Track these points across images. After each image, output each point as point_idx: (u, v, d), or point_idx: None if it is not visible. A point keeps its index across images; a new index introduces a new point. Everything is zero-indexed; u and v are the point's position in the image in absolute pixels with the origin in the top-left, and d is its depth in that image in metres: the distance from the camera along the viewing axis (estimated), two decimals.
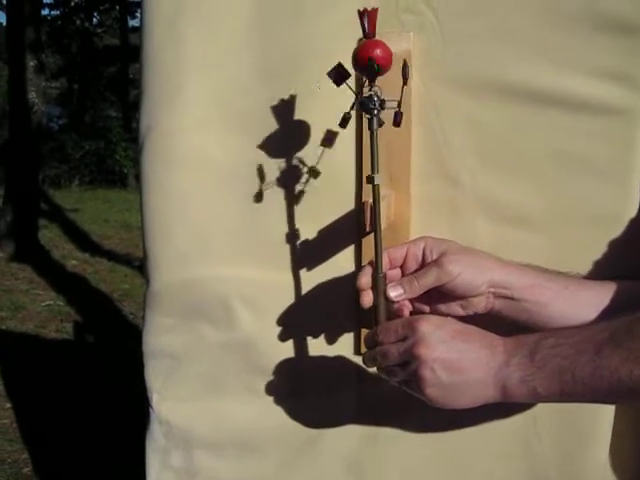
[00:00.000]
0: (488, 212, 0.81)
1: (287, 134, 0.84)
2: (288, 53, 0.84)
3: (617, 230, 0.78)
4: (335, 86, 0.71)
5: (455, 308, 0.75)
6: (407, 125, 0.79)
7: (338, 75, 0.70)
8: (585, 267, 0.79)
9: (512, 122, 0.79)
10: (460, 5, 0.79)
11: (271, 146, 0.85)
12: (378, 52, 0.68)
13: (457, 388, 0.67)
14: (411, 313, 0.75)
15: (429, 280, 0.72)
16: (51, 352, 4.30)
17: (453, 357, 0.66)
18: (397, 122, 0.70)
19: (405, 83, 0.69)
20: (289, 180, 0.85)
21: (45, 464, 3.03)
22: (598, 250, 0.79)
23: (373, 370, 0.75)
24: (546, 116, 0.77)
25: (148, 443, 0.98)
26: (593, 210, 0.79)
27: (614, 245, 0.78)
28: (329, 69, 0.70)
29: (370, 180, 0.70)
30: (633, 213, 0.77)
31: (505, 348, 0.66)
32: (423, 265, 0.74)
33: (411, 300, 0.75)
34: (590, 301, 0.71)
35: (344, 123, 0.71)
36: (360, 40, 0.72)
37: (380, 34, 0.72)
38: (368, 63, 0.67)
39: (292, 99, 0.83)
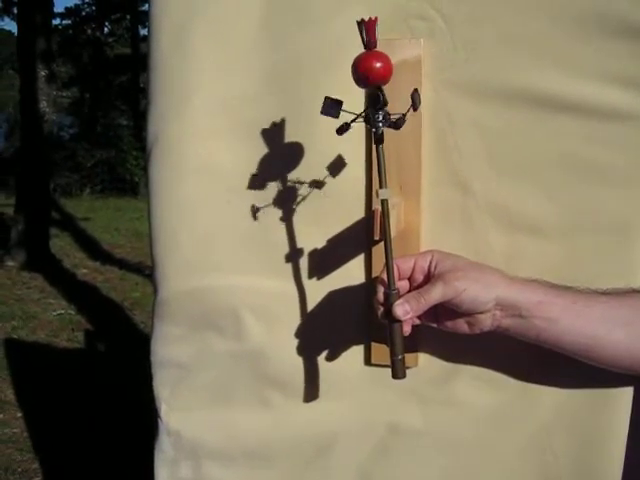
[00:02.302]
0: (499, 220, 0.80)
1: (296, 143, 0.84)
2: (296, 61, 0.84)
3: (631, 238, 0.76)
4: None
5: (462, 325, 0.74)
6: (417, 132, 0.78)
7: (332, 107, 0.68)
8: (599, 276, 0.77)
9: (523, 129, 0.78)
10: (470, 11, 0.78)
11: (280, 155, 0.85)
12: (376, 65, 0.65)
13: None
14: (417, 327, 0.75)
15: (435, 296, 0.71)
16: (62, 361, 4.32)
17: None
18: (398, 126, 0.68)
19: (415, 109, 0.68)
20: (298, 189, 0.84)
21: (55, 474, 3.03)
22: (612, 258, 0.77)
23: (384, 381, 0.74)
24: (557, 122, 0.77)
25: (156, 454, 0.97)
26: (606, 218, 0.77)
27: (628, 253, 0.77)
28: (321, 106, 0.68)
29: (378, 195, 0.69)
30: None
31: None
32: (429, 277, 0.74)
33: (419, 316, 0.74)
34: (599, 314, 0.70)
35: (341, 131, 0.70)
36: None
37: (390, 40, 0.71)
38: (367, 78, 0.65)
39: (304, 108, 0.82)
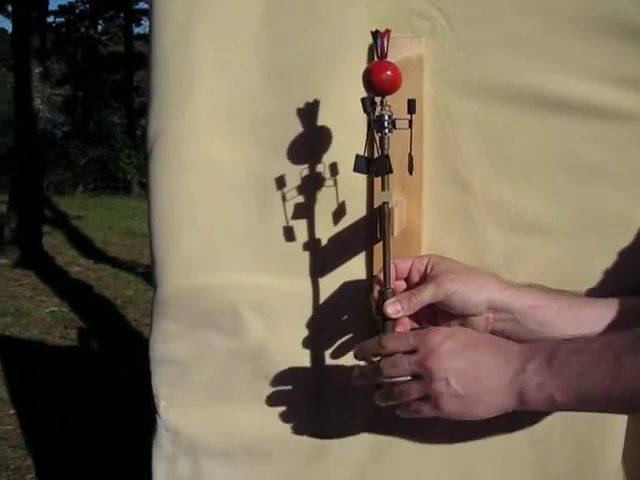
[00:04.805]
0: (500, 219, 0.81)
1: (298, 141, 0.84)
2: (298, 59, 0.84)
3: (632, 238, 0.77)
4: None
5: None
6: (419, 131, 0.78)
7: (362, 164, 0.73)
8: (599, 276, 0.78)
9: (524, 128, 0.78)
10: (472, 11, 0.78)
11: (281, 153, 0.85)
12: (389, 74, 0.70)
13: (473, 398, 0.66)
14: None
15: (426, 296, 0.72)
16: (55, 358, 4.30)
17: (466, 367, 0.66)
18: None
19: (412, 113, 0.72)
20: (299, 187, 0.84)
21: (48, 471, 3.02)
22: (613, 259, 0.78)
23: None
24: (559, 122, 0.77)
25: (154, 451, 0.97)
26: (607, 218, 0.78)
27: (629, 253, 0.77)
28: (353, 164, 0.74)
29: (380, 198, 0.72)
30: None
31: (520, 354, 0.65)
32: (425, 279, 0.75)
33: (415, 319, 0.76)
34: (594, 318, 0.70)
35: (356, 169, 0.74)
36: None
37: (392, 39, 0.72)
38: (380, 86, 0.70)
39: (306, 106, 0.83)
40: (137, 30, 17.10)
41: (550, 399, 0.62)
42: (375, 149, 0.73)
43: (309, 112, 0.82)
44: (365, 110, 0.71)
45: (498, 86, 0.78)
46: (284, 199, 0.85)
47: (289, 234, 0.86)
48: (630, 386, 0.58)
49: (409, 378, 0.69)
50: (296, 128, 0.84)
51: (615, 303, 0.71)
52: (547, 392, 0.62)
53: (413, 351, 0.68)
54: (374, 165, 0.72)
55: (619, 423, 0.82)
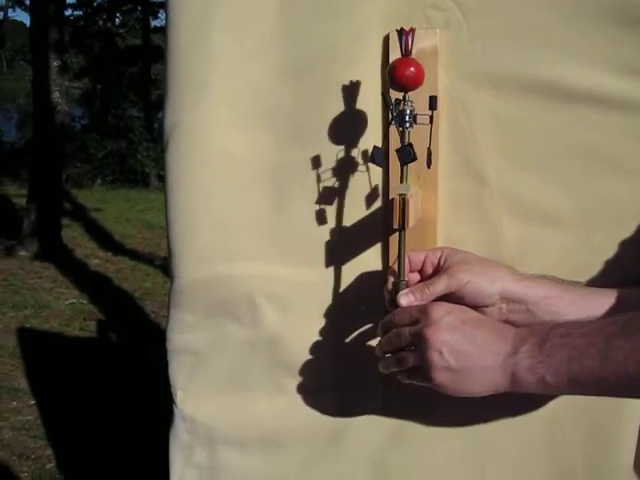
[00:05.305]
0: (514, 210, 0.81)
1: (315, 131, 0.84)
2: (313, 52, 0.84)
3: None
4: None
5: None
6: (434, 122, 0.78)
7: (379, 156, 0.75)
8: (611, 266, 0.78)
9: (540, 119, 0.78)
10: (486, 2, 0.78)
11: (296, 145, 0.85)
12: (412, 71, 0.72)
13: (465, 373, 0.68)
14: None
15: (439, 287, 0.73)
16: (74, 350, 4.35)
17: (461, 342, 0.68)
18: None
19: (433, 109, 0.73)
20: (315, 178, 0.85)
21: (68, 460, 3.06)
22: (624, 249, 0.78)
23: None
24: (573, 113, 0.77)
25: (172, 440, 0.98)
26: (621, 209, 0.78)
27: None
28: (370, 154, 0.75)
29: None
30: None
31: (516, 336, 0.67)
32: (438, 271, 0.76)
33: None
34: (605, 309, 0.70)
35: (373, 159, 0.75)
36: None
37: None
38: (403, 82, 0.72)
39: (320, 95, 0.83)
40: (154, 23, 17.11)
41: (541, 381, 0.64)
42: (391, 141, 0.74)
43: (325, 105, 0.83)
44: (387, 105, 0.73)
45: (512, 77, 0.78)
46: (299, 190, 0.86)
47: (304, 224, 0.86)
48: (618, 369, 0.59)
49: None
50: (311, 120, 0.84)
51: (626, 293, 0.71)
52: (538, 374, 0.64)
53: (416, 323, 0.71)
54: (399, 153, 0.73)
55: (635, 409, 0.82)
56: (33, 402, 3.57)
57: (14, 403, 3.56)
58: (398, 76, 0.72)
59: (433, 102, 0.73)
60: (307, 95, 0.84)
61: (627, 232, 0.77)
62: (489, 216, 0.82)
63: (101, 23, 17.56)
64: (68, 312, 5.03)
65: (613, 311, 0.69)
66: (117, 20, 18.27)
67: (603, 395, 0.66)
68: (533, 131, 0.78)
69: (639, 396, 0.69)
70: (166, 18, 0.89)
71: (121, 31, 18.13)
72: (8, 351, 4.22)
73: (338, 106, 0.83)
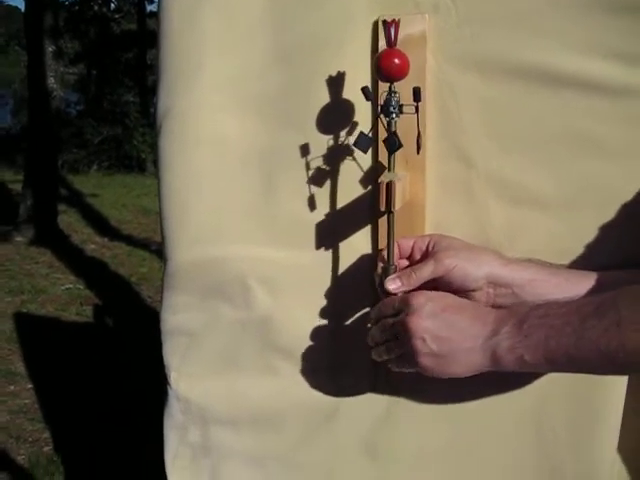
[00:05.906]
0: (501, 193, 0.82)
1: (304, 116, 0.85)
2: (303, 37, 0.85)
3: (631, 212, 0.77)
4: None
5: None
6: (422, 107, 0.79)
7: (365, 142, 0.76)
8: (599, 250, 0.79)
9: (526, 104, 0.79)
10: None
11: (286, 128, 0.86)
12: (397, 62, 0.73)
13: (448, 357, 0.71)
14: None
15: (425, 272, 0.75)
16: (71, 335, 4.36)
17: (441, 327, 0.70)
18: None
19: (417, 101, 0.74)
20: (305, 161, 0.86)
21: (65, 443, 3.08)
22: (612, 233, 0.78)
23: None
24: (561, 98, 0.77)
25: (166, 420, 1.00)
26: (608, 193, 0.78)
27: (625, 227, 0.78)
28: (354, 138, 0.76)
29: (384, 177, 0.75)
30: None
31: (496, 318, 0.69)
32: (426, 257, 0.77)
33: None
34: (590, 291, 0.71)
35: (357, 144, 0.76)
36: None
37: (395, 15, 0.73)
38: (387, 73, 0.74)
39: (309, 81, 0.84)
40: (150, 8, 16.99)
41: (520, 359, 0.66)
42: (380, 130, 0.75)
43: (314, 89, 0.84)
44: (367, 98, 0.74)
45: (500, 62, 0.78)
46: (290, 173, 0.87)
47: (295, 207, 0.87)
48: (591, 347, 0.62)
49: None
50: (300, 104, 0.85)
51: (611, 276, 0.72)
52: (517, 353, 0.66)
53: (399, 312, 0.73)
54: (385, 143, 0.74)
55: (619, 385, 0.83)
56: (30, 386, 3.59)
57: (11, 387, 3.58)
58: (383, 67, 0.73)
59: (417, 94, 0.73)
60: (297, 80, 0.85)
61: (611, 215, 0.78)
62: (477, 199, 0.82)
63: (96, 8, 17.42)
64: (64, 297, 5.04)
65: (595, 293, 0.70)
66: (112, 5, 18.12)
67: (578, 372, 0.69)
68: (519, 115, 0.79)
69: (611, 373, 0.71)
70: (158, 3, 0.90)
71: (116, 16, 18.00)
72: (5, 336, 4.24)
73: (327, 92, 0.84)
